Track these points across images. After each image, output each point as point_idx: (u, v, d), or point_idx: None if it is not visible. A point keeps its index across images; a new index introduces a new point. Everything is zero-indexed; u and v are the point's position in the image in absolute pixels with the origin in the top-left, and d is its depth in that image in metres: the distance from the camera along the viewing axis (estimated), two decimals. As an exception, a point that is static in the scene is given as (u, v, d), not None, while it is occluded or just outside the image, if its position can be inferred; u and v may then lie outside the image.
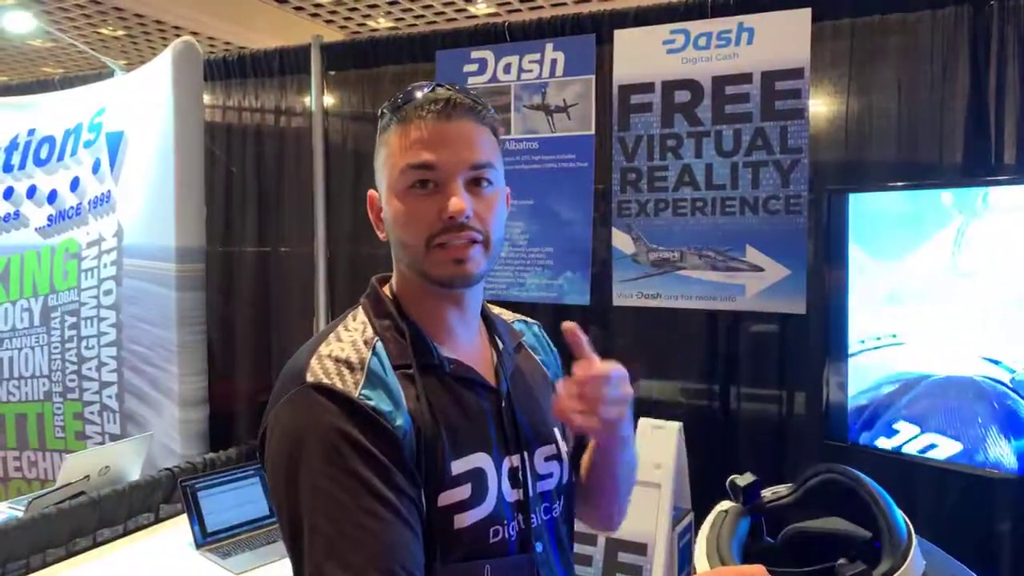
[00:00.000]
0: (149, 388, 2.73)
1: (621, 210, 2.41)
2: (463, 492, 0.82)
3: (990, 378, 1.70)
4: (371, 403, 0.79)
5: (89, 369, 2.93)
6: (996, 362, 1.70)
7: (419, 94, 0.85)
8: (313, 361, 0.82)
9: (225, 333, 3.05)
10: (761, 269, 2.22)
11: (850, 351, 1.92)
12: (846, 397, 1.94)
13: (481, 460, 0.84)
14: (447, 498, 0.81)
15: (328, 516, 0.74)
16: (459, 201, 0.83)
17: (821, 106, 2.18)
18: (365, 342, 0.84)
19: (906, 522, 0.71)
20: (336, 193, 2.92)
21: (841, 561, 0.67)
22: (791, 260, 2.17)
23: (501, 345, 0.95)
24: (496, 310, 1.03)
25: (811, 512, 0.75)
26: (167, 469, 2.26)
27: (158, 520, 2.14)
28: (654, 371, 2.44)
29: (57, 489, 2.04)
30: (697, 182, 2.30)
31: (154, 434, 2.56)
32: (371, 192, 0.92)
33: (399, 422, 0.79)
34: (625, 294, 2.41)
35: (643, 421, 2.21)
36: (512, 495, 0.87)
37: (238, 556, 1.89)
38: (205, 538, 1.95)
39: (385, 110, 0.88)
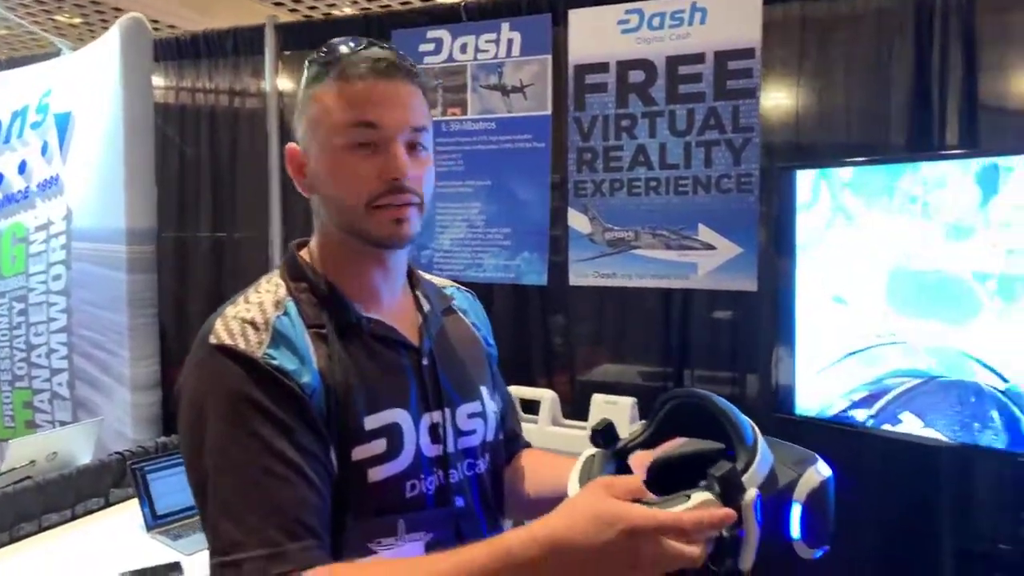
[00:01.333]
0: (100, 373, 2.68)
1: (577, 190, 2.42)
2: (378, 446, 0.82)
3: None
4: (275, 362, 0.78)
5: (39, 356, 2.87)
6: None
7: (345, 48, 0.84)
8: (218, 323, 0.82)
9: (179, 318, 3.00)
10: (713, 247, 2.24)
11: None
12: (794, 371, 1.98)
13: (397, 416, 0.85)
14: (361, 452, 0.81)
15: (227, 477, 0.75)
16: (402, 162, 0.83)
17: (772, 86, 2.21)
18: (276, 303, 0.84)
19: (751, 424, 0.74)
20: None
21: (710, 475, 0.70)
22: (742, 238, 2.20)
23: (427, 307, 0.95)
24: (427, 276, 1.03)
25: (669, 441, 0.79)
26: (117, 453, 2.22)
27: (108, 504, 2.10)
28: (610, 348, 2.46)
29: (1, 475, 2.00)
30: (651, 162, 2.32)
31: (104, 419, 2.52)
32: (291, 146, 0.89)
33: (305, 379, 0.79)
34: (581, 274, 2.42)
35: (596, 396, 2.23)
36: (432, 450, 0.87)
37: (188, 538, 1.87)
38: (155, 520, 1.92)
39: (315, 63, 0.86)
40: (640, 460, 0.81)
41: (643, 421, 0.83)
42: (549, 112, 2.45)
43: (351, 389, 0.82)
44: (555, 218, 2.46)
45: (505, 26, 2.49)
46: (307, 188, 0.89)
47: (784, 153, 2.21)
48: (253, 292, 0.87)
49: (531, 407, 2.22)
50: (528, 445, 1.10)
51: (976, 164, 1.69)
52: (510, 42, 2.48)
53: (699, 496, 0.68)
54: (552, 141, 2.45)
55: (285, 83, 2.90)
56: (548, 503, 0.93)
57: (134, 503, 1.98)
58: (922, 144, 2.05)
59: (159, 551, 1.83)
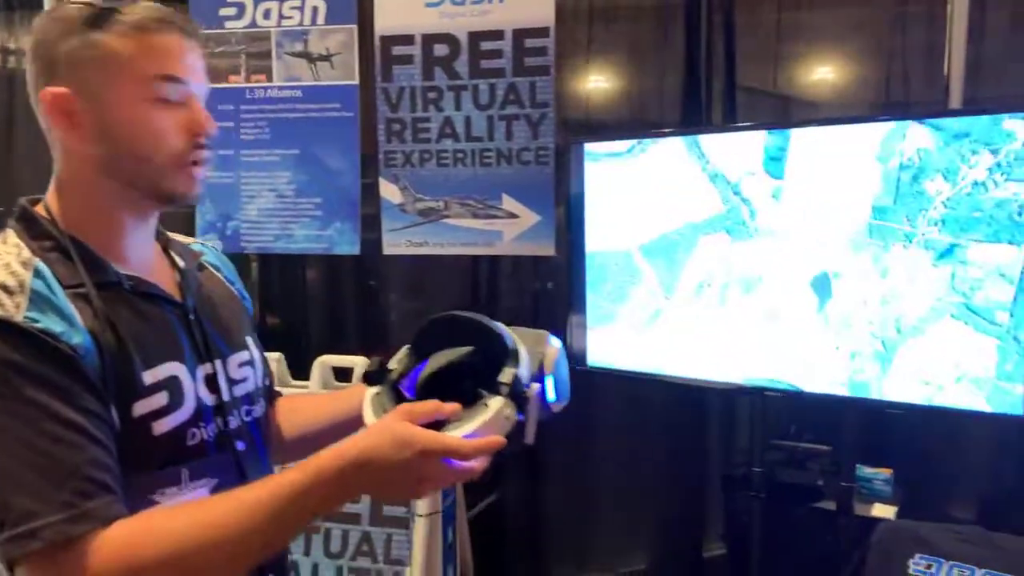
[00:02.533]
0: None
1: (388, 160, 2.46)
2: (159, 400, 0.84)
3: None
4: (39, 325, 0.76)
5: None
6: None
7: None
8: None
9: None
10: (516, 216, 2.39)
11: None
12: (584, 326, 2.18)
13: (175, 368, 0.87)
14: (143, 407, 0.83)
15: (9, 451, 0.73)
16: (210, 118, 0.87)
17: (566, 65, 2.38)
18: (23, 263, 0.80)
19: (503, 327, 0.89)
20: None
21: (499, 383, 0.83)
22: (541, 207, 2.36)
23: (182, 264, 0.98)
24: (174, 235, 1.04)
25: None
26: None
27: None
28: (424, 314, 2.54)
29: None
30: (458, 134, 2.41)
31: None
32: (56, 91, 0.82)
33: (76, 340, 0.78)
34: (394, 243, 2.48)
35: (323, 358, 2.30)
36: (210, 399, 0.92)
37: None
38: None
39: (97, 9, 0.82)
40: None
41: (407, 347, 0.93)
42: (356, 82, 2.46)
43: (125, 346, 0.82)
44: (366, 188, 2.49)
45: (309, -7, 2.46)
46: (82, 139, 0.84)
47: (577, 128, 2.39)
48: None
49: (344, 375, 2.27)
50: (279, 395, 1.17)
51: (736, 137, 1.93)
52: (315, 9, 2.46)
53: (496, 402, 0.81)
54: (361, 111, 2.47)
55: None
56: (309, 442, 1.01)
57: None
58: (693, 120, 2.30)
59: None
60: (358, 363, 2.23)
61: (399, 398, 0.88)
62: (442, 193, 2.44)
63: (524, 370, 0.85)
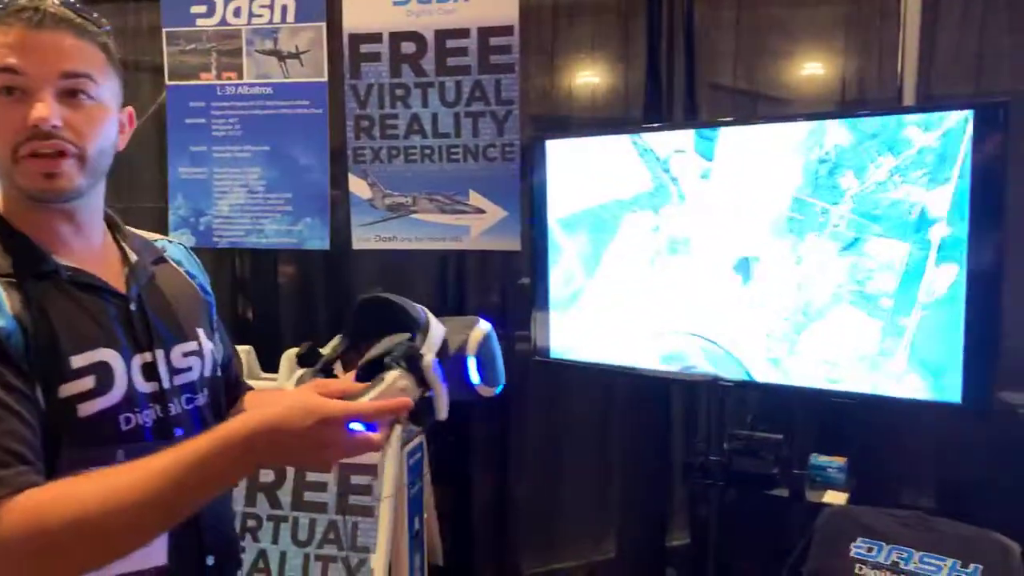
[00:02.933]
0: None
1: (356, 157, 2.50)
2: (86, 383, 0.86)
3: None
4: None
5: None
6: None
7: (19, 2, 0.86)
8: None
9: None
10: (483, 211, 2.43)
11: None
12: (548, 319, 2.22)
13: (106, 355, 0.89)
14: (68, 389, 0.85)
15: None
16: (44, 108, 0.83)
17: (530, 62, 2.42)
18: None
19: (423, 308, 0.91)
20: None
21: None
22: (507, 202, 2.40)
23: (134, 258, 1.00)
24: (142, 232, 1.07)
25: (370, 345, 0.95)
26: None
27: None
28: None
29: None
30: (425, 130, 2.45)
31: None
32: None
33: (1, 324, 0.82)
34: (363, 238, 2.52)
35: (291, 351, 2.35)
36: (147, 387, 0.93)
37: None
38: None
39: None
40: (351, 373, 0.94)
41: (340, 335, 0.97)
42: (326, 79, 2.50)
43: (53, 331, 0.85)
44: (336, 184, 2.53)
45: (279, -9, 2.49)
46: None
47: (543, 124, 2.43)
48: None
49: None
50: (251, 389, 1.20)
51: (696, 134, 1.98)
52: (284, 8, 2.49)
53: (392, 375, 0.84)
54: (330, 108, 2.50)
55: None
56: None
57: None
58: (655, 117, 2.35)
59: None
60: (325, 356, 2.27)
61: (332, 376, 0.92)
62: (410, 189, 2.48)
63: (428, 343, 0.87)
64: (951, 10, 2.13)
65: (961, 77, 2.14)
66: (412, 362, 0.85)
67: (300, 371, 0.93)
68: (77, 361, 0.86)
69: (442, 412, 0.88)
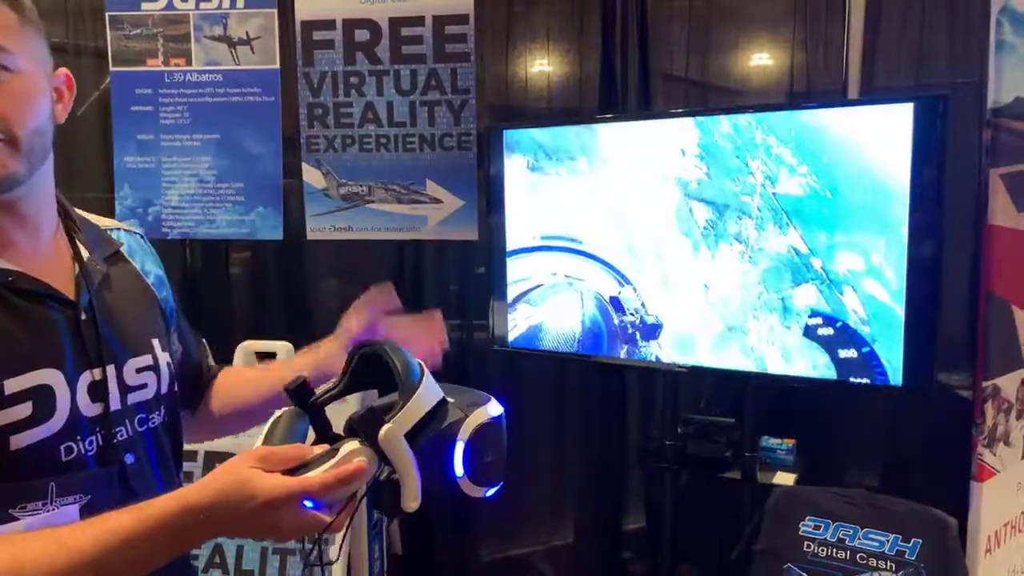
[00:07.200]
0: None
1: (310, 145, 2.47)
2: (21, 411, 0.76)
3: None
4: None
5: None
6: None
7: None
8: None
9: None
10: (440, 201, 2.43)
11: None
12: (506, 309, 2.24)
13: (48, 376, 0.79)
14: (1, 419, 0.75)
15: None
16: None
17: (485, 52, 2.41)
18: None
19: (419, 364, 0.79)
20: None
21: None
22: (464, 192, 2.40)
23: (87, 255, 0.89)
24: (93, 218, 0.97)
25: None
26: None
27: None
28: (348, 300, 2.56)
29: None
30: (380, 119, 2.43)
31: None
32: None
33: None
34: (318, 228, 2.49)
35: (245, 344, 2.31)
36: (92, 410, 0.83)
37: None
38: None
39: None
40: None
41: (339, 375, 0.86)
42: (278, 66, 2.45)
43: None
44: (289, 173, 2.49)
45: (227, -25, 2.43)
46: None
47: (499, 114, 2.44)
48: None
49: (268, 359, 2.28)
50: (220, 368, 1.14)
51: (651, 124, 2.01)
52: (234, -7, 2.44)
53: (348, 446, 0.72)
54: (282, 96, 2.46)
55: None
56: (244, 418, 1.04)
57: None
58: (609, 108, 2.37)
59: None
60: (280, 349, 2.24)
61: (319, 420, 0.80)
62: (366, 178, 2.46)
63: (402, 414, 0.74)
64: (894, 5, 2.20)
65: (903, 71, 2.21)
66: (369, 430, 0.73)
67: (279, 411, 0.81)
68: (12, 385, 0.76)
69: (410, 501, 0.73)
